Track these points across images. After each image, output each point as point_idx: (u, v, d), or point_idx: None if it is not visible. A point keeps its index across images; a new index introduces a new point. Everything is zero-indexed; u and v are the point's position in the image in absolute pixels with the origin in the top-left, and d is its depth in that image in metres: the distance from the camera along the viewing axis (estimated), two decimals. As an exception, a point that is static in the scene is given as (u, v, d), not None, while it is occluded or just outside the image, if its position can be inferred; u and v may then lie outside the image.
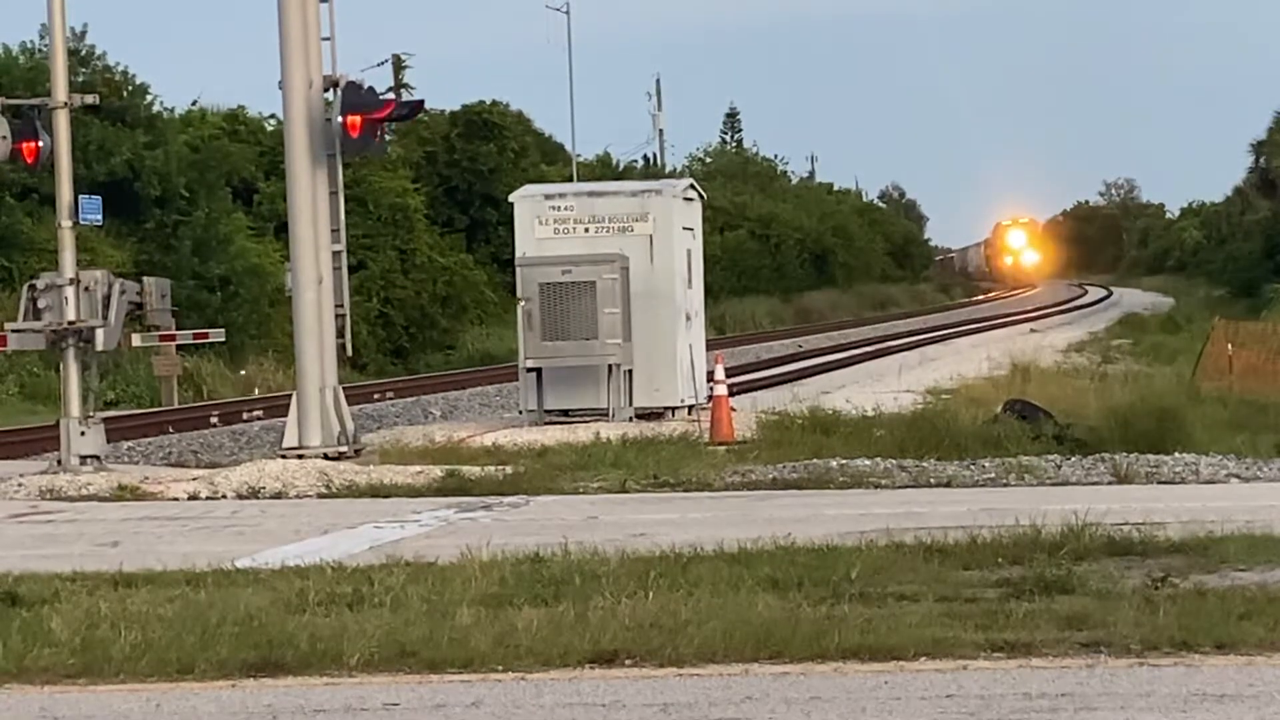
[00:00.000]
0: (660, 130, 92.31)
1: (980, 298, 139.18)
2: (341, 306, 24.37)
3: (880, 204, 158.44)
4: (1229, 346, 35.45)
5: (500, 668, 10.18)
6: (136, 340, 25.54)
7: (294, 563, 14.44)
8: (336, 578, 13.18)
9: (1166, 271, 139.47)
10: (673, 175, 70.39)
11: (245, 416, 36.23)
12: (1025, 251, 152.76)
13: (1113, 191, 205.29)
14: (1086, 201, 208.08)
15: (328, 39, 24.10)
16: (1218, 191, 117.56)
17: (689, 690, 9.57)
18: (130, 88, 54.58)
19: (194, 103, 61.42)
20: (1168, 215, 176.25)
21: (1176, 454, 21.26)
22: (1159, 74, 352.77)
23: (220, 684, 10.10)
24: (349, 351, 25.00)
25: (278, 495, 20.77)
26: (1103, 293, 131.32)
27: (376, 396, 41.64)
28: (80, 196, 23.81)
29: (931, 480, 20.18)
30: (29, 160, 24.08)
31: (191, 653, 10.63)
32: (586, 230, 28.22)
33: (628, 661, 10.23)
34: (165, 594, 12.63)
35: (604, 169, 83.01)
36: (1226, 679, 9.41)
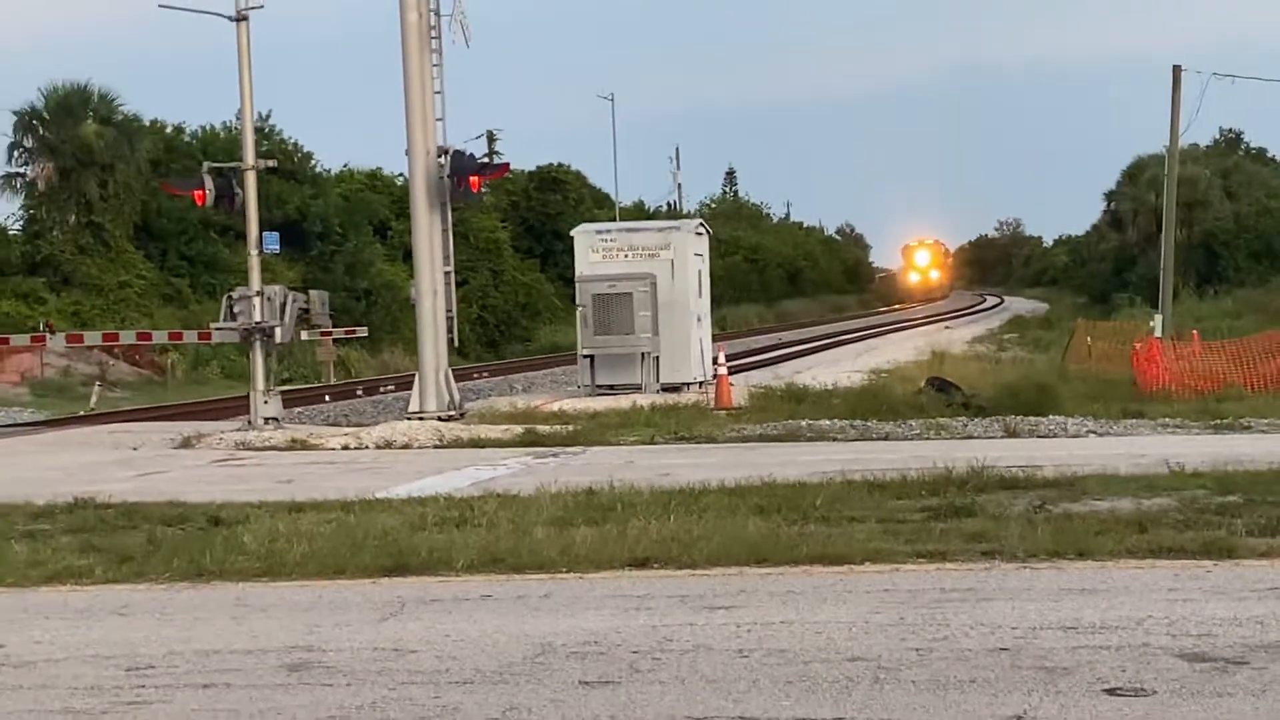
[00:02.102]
0: (679, 184, 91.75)
1: (909, 305, 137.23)
2: (451, 311, 24.40)
3: (837, 237, 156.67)
4: (1088, 339, 35.37)
5: (564, 570, 10.23)
6: (304, 335, 25.62)
7: (417, 494, 14.52)
8: (447, 505, 13.23)
9: (1043, 285, 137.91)
10: (688, 217, 70.10)
11: (382, 390, 36.34)
12: (930, 269, 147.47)
13: (1004, 227, 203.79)
14: (985, 235, 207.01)
15: (440, 120, 24.09)
16: (1080, 227, 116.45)
17: (700, 586, 9.60)
18: (299, 155, 54.74)
19: (345, 165, 61.56)
20: (1044, 244, 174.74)
21: (1050, 417, 21.18)
22: (1039, 136, 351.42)
23: (365, 582, 10.17)
24: (456, 343, 25.01)
25: (405, 446, 20.81)
26: (997, 300, 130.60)
27: (475, 376, 41.71)
28: (263, 233, 23.88)
29: (874, 436, 20.13)
30: (228, 208, 24.23)
31: (344, 559, 10.72)
32: (626, 256, 28.22)
33: (656, 565, 10.27)
34: (325, 517, 12.70)
35: (638, 212, 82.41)
36: (1086, 578, 9.42)
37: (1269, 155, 76.78)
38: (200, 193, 23.65)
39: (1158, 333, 32.62)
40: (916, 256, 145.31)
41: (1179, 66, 36.52)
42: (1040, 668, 7.21)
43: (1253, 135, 79.51)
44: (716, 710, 6.65)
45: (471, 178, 24.64)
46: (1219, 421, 20.33)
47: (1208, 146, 71.03)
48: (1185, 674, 7.03)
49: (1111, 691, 6.76)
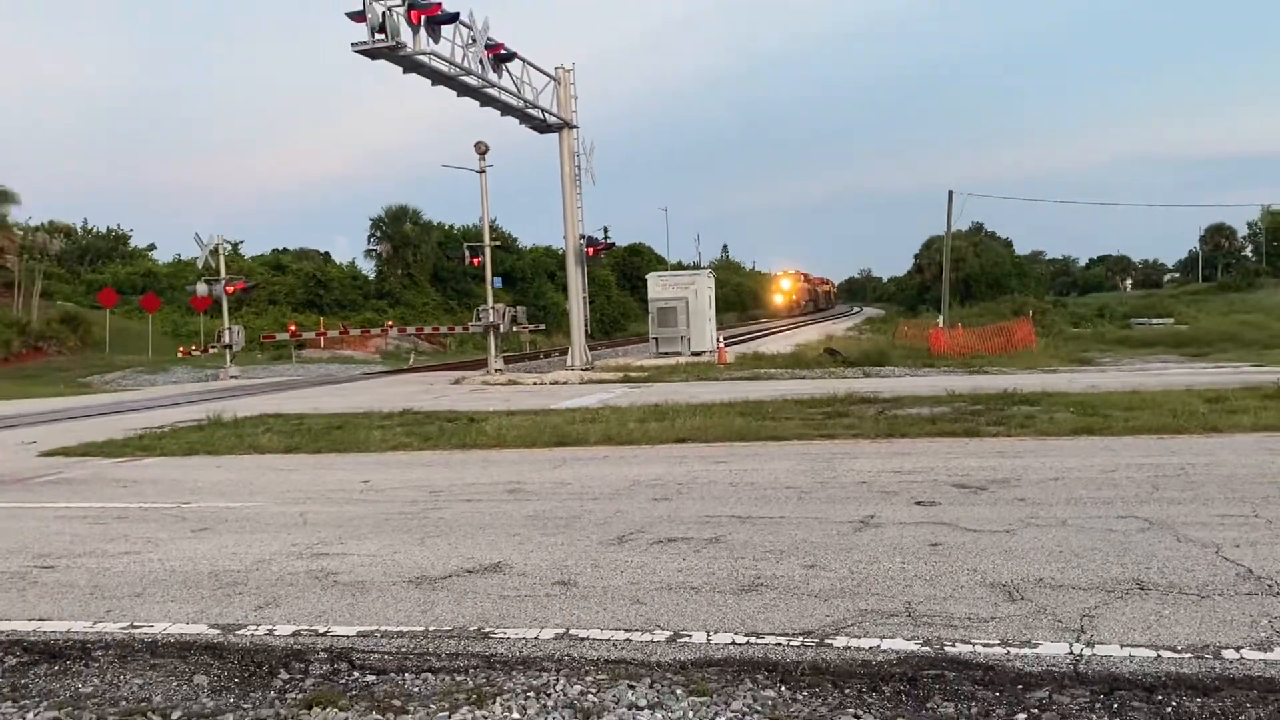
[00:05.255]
0: (700, 251, 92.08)
1: (811, 313, 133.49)
2: (585, 316, 24.43)
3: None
4: (905, 328, 34.81)
5: (644, 443, 10.20)
6: (514, 329, 25.70)
7: (570, 406, 14.51)
8: (585, 412, 13.25)
9: (882, 301, 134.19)
10: (705, 268, 69.99)
11: (554, 355, 36.30)
12: (791, 293, 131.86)
13: (862, 272, 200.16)
14: (853, 275, 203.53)
15: (580, 220, 24.08)
16: (901, 271, 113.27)
17: (709, 451, 9.55)
18: (510, 238, 54.85)
19: (532, 243, 61.52)
20: (883, 280, 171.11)
21: (887, 367, 20.97)
22: (882, 226, 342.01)
23: (545, 450, 10.19)
24: (588, 331, 25.07)
25: (564, 383, 20.88)
26: (859, 309, 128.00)
27: (597, 348, 41.14)
28: (494, 277, 24.01)
29: (798, 377, 19.91)
30: (474, 264, 24.30)
31: (534, 437, 10.74)
32: (673, 289, 28.08)
33: (689, 441, 10.21)
34: (525, 418, 12.75)
35: (679, 266, 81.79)
36: (905, 447, 9.29)
37: (996, 234, 75.43)
38: (463, 258, 23.79)
39: (940, 325, 32.03)
40: (782, 282, 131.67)
41: (951, 190, 35.96)
42: (882, 492, 7.14)
43: (990, 224, 78.29)
44: (720, 512, 6.64)
45: (597, 250, 24.66)
46: (972, 369, 20.04)
47: (966, 230, 69.65)
48: (955, 495, 6.94)
49: (919, 503, 6.69)
